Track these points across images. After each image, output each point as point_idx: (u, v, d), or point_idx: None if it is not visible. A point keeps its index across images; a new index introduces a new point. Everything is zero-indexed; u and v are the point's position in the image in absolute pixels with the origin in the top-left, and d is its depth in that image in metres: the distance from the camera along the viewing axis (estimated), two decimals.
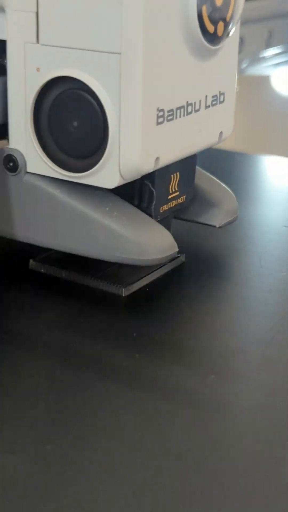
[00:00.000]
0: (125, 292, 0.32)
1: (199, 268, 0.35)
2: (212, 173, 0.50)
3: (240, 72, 0.52)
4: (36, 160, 0.31)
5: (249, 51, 0.50)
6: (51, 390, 0.27)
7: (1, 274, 0.34)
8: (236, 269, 0.36)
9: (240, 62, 0.50)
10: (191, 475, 0.23)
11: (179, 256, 0.35)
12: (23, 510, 0.22)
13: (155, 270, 0.33)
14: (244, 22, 0.48)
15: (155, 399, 0.26)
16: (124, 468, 0.23)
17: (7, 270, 0.34)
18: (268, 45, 0.52)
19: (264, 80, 0.82)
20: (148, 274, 0.33)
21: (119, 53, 0.28)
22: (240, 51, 0.49)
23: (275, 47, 0.53)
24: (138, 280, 0.33)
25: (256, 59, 0.52)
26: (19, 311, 0.31)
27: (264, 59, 0.53)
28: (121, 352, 0.29)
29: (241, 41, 0.49)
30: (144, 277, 0.33)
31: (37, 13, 0.30)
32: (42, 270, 0.34)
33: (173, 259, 0.34)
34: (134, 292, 0.32)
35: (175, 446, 0.24)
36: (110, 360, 0.28)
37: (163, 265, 0.34)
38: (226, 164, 0.54)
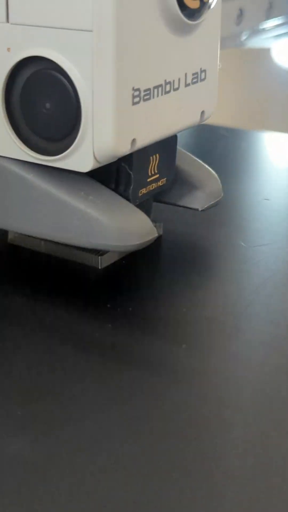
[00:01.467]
0: (101, 264, 0.32)
1: (178, 241, 0.35)
2: (209, 151, 0.49)
3: (240, 45, 0.51)
4: (8, 143, 0.30)
5: (248, 23, 0.49)
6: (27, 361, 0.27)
7: None
8: (215, 242, 0.36)
9: (239, 34, 0.49)
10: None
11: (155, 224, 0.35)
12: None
13: None
14: None
15: (127, 369, 0.27)
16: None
17: None
18: (268, 16, 0.51)
19: (264, 53, 0.80)
20: None
21: (91, 31, 0.27)
22: (239, 23, 0.48)
23: (275, 18, 0.52)
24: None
25: (256, 31, 0.51)
26: None
27: (264, 30, 0.51)
28: (95, 323, 0.29)
29: (240, 12, 0.47)
30: None
31: None
32: (22, 245, 0.34)
33: None
34: (111, 264, 0.33)
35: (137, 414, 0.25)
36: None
37: None
38: (224, 141, 0.52)
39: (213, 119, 0.34)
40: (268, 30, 0.52)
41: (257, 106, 0.89)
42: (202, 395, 0.26)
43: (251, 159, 0.50)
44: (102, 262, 0.32)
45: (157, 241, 0.34)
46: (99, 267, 0.32)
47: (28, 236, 0.33)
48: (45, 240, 0.33)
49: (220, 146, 0.51)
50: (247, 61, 0.86)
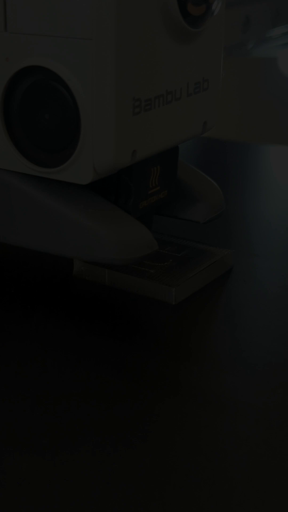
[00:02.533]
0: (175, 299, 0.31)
1: (248, 272, 0.34)
2: (216, 169, 0.47)
3: (246, 54, 0.50)
4: (7, 155, 0.29)
5: (255, 31, 0.48)
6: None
7: (43, 279, 0.33)
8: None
9: (246, 42, 0.48)
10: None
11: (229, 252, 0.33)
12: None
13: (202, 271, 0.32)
14: (250, 0, 0.46)
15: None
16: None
17: (50, 275, 0.33)
18: (275, 24, 0.50)
19: (270, 62, 0.80)
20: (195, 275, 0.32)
21: (90, 39, 0.27)
22: (246, 31, 0.47)
23: (283, 26, 0.51)
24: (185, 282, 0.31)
25: (263, 39, 0.50)
26: (60, 320, 0.30)
27: (271, 39, 0.51)
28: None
29: (247, 20, 0.47)
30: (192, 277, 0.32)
31: (4, 0, 0.28)
32: (86, 278, 0.33)
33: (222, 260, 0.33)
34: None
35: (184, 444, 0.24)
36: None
37: (209, 267, 0.32)
38: (231, 156, 0.51)
39: (216, 132, 0.34)
40: (275, 38, 0.51)
41: (262, 118, 0.88)
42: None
43: (256, 174, 0.49)
44: (176, 297, 0.31)
45: (228, 272, 0.33)
46: (173, 303, 0.31)
47: (94, 265, 0.32)
48: (108, 269, 0.32)
49: (224, 161, 0.50)
50: (252, 71, 0.85)
